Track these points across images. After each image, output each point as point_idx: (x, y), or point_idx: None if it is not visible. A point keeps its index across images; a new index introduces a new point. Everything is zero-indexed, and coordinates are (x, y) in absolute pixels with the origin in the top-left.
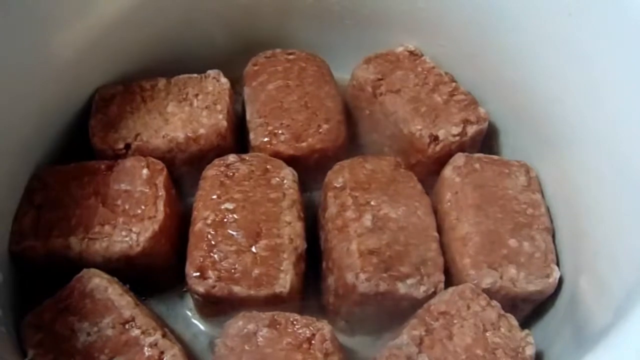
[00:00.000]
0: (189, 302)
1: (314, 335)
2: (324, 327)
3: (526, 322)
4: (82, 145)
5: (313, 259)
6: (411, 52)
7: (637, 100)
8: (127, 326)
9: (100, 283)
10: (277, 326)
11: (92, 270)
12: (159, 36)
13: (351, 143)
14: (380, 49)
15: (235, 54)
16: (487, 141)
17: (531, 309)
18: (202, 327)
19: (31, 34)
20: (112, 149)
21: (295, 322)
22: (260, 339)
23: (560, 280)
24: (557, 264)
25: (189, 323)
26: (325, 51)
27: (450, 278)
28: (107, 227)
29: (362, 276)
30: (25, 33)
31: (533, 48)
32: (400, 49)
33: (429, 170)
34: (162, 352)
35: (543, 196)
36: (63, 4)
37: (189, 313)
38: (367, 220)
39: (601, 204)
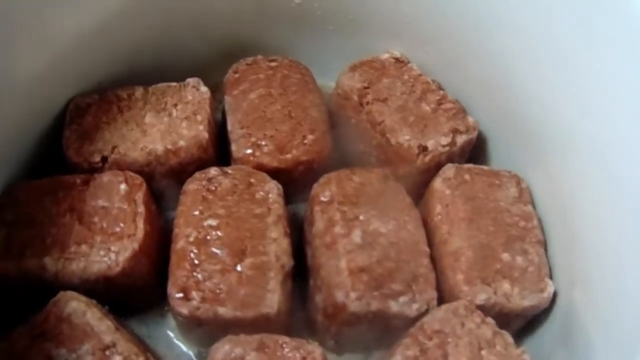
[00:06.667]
0: (171, 322)
1: (304, 358)
2: (315, 350)
3: (520, 336)
4: (56, 159)
5: (300, 273)
6: (397, 59)
7: (627, 105)
8: (107, 352)
9: (78, 307)
10: (266, 350)
11: (69, 293)
12: (137, 43)
13: (336, 153)
14: (364, 55)
15: (215, 60)
16: (475, 150)
17: (525, 323)
18: (184, 348)
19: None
20: (87, 162)
21: (284, 345)
22: None
23: (555, 293)
24: (551, 277)
25: (172, 344)
26: (308, 57)
27: (442, 294)
28: (84, 247)
29: (353, 295)
30: None
31: (520, 53)
32: (385, 55)
33: (416, 181)
34: None
35: (534, 207)
36: (35, 13)
37: (170, 333)
38: (357, 236)
39: (594, 212)
